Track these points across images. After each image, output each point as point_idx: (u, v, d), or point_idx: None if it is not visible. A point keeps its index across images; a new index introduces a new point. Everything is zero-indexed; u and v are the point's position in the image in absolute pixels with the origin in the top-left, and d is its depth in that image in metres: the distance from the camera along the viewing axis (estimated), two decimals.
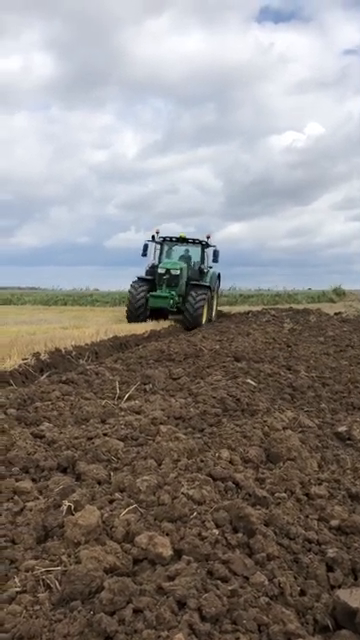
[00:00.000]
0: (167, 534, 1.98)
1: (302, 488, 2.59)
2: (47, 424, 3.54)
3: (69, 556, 1.79)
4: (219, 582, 1.69)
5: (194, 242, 17.29)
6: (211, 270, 17.45)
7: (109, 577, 1.67)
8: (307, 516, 2.34)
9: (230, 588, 1.65)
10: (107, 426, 3.48)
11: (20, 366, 6.89)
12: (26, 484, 2.54)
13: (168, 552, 1.83)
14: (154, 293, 15.30)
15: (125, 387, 5.03)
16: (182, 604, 1.57)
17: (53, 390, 4.70)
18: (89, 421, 3.69)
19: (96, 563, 1.67)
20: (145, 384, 5.24)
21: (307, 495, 2.54)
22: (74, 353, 8.22)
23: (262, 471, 2.80)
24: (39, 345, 7.81)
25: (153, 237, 16.88)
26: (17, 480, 2.63)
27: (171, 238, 17.30)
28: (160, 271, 15.66)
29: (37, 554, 1.88)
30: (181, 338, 9.61)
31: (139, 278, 16.36)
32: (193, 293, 14.99)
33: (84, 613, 1.48)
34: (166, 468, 2.61)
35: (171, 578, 1.64)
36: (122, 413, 3.97)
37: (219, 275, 18.30)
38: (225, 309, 21.59)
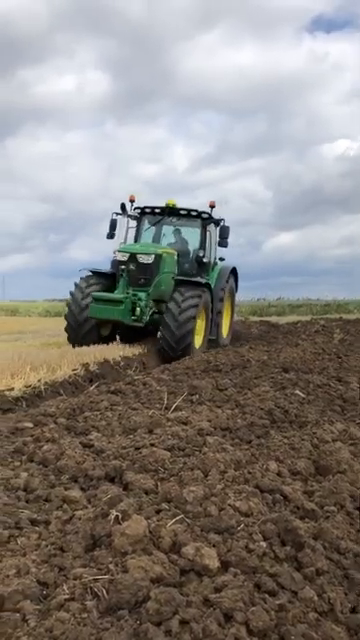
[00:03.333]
0: (214, 545, 1.97)
1: (353, 502, 2.52)
2: (95, 434, 3.59)
3: (116, 565, 1.80)
4: (267, 596, 1.67)
5: (190, 215, 11.19)
6: (218, 262, 11.85)
7: (155, 587, 1.67)
8: (358, 530, 2.28)
9: (278, 602, 1.62)
10: (154, 436, 3.50)
11: (70, 376, 7.04)
12: (75, 493, 2.58)
13: (215, 564, 1.82)
14: (99, 294, 9.48)
15: (172, 397, 5.05)
16: (229, 617, 1.55)
17: (102, 400, 4.76)
18: (136, 431, 3.71)
19: (143, 573, 1.67)
20: (192, 394, 5.24)
21: (358, 509, 2.48)
22: (122, 364, 8.32)
23: (311, 484, 2.75)
24: (88, 356, 7.95)
25: (123, 207, 10.90)
26: (66, 489, 2.68)
27: (153, 209, 11.39)
28: (119, 257, 9.94)
29: (85, 562, 1.91)
30: (228, 349, 9.59)
31: (93, 272, 10.57)
32: (177, 295, 9.53)
33: (131, 622, 1.48)
34: (213, 479, 2.60)
35: (218, 590, 1.63)
36: (169, 423, 3.98)
37: (234, 271, 12.21)
38: (273, 320, 20.25)
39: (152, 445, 3.30)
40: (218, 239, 11.25)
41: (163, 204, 11.43)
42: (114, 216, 11.14)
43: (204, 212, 11.28)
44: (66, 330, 10.16)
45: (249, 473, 2.72)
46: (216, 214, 11.44)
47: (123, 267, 9.85)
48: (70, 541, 2.05)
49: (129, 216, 11.36)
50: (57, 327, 11.71)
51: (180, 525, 2.09)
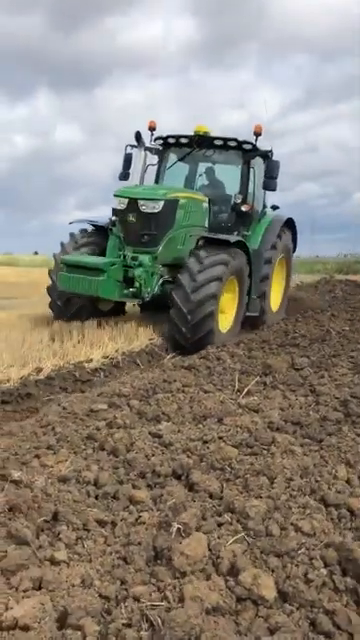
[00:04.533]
0: (273, 571, 1.97)
1: None
2: (165, 423, 3.64)
3: (174, 588, 1.85)
4: (322, 638, 1.66)
5: (227, 146, 8.52)
6: (269, 212, 9.33)
7: (212, 616, 1.70)
8: None
9: None
10: (223, 428, 3.51)
11: (147, 346, 7.17)
12: (142, 493, 2.65)
13: (272, 594, 1.82)
14: (70, 257, 7.33)
15: (245, 377, 5.02)
16: None
17: (174, 381, 4.82)
18: (206, 420, 3.74)
19: (198, 605, 1.71)
20: (266, 374, 5.19)
21: None
22: None
23: None
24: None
25: (138, 137, 8.16)
26: (134, 486, 2.76)
27: (177, 139, 8.74)
28: (117, 205, 7.54)
29: (146, 579, 1.97)
30: (308, 316, 9.23)
31: (94, 226, 8.09)
32: (193, 263, 7.14)
33: None
34: (278, 488, 2.58)
35: (272, 632, 1.64)
36: (240, 410, 3.98)
37: (290, 224, 9.54)
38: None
39: (220, 439, 3.32)
40: (264, 179, 8.40)
41: (191, 133, 8.73)
42: (128, 149, 8.62)
43: (246, 142, 8.48)
44: (51, 308, 7.93)
45: (316, 481, 2.67)
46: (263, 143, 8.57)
47: (122, 219, 7.41)
48: (133, 552, 2.13)
49: (147, 149, 8.63)
50: None
51: (240, 545, 2.10)
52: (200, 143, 8.73)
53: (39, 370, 5.53)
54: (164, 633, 1.58)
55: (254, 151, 8.61)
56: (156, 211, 7.50)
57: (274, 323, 8.80)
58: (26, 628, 1.73)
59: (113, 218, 7.46)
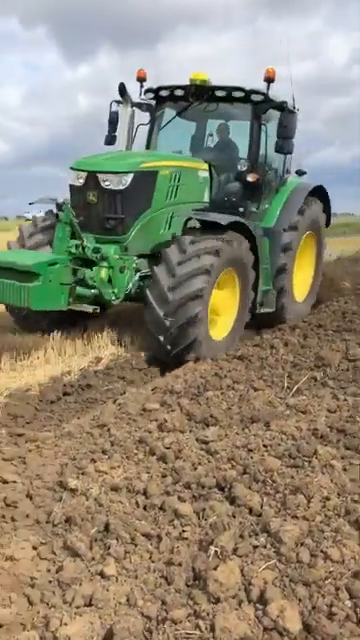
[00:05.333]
0: (300, 600, 2.13)
1: None
2: (212, 429, 3.82)
3: (207, 615, 2.05)
4: None
5: (232, 98, 6.85)
6: (290, 179, 7.83)
7: None
8: None
9: None
10: (269, 434, 3.64)
11: None
12: (186, 508, 2.85)
13: (296, 627, 1.99)
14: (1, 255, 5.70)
15: (296, 371, 5.11)
16: None
17: (225, 376, 4.97)
18: (253, 424, 3.89)
19: (227, 636, 1.90)
20: (318, 367, 5.24)
21: None
22: None
23: None
24: None
25: (122, 90, 6.82)
26: (180, 498, 2.96)
27: (172, 91, 7.04)
28: (74, 181, 6.06)
29: (183, 601, 2.18)
30: None
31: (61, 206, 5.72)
32: (172, 252, 5.73)
33: None
34: (314, 508, 2.71)
35: None
36: (287, 412, 4.10)
37: (319, 192, 7.97)
38: None
39: (265, 447, 3.46)
40: (276, 139, 6.75)
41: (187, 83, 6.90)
42: (114, 107, 7.06)
43: (255, 91, 6.73)
44: (9, 312, 6.55)
45: (353, 501, 2.78)
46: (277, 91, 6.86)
47: (77, 199, 5.95)
48: (174, 573, 2.34)
49: (136, 105, 7.10)
50: None
51: (272, 572, 2.27)
52: (198, 95, 6.96)
53: (98, 360, 5.81)
54: None
55: (266, 103, 6.82)
56: (123, 187, 5.81)
57: (300, 318, 7.56)
58: None
59: (66, 200, 5.85)
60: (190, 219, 6.27)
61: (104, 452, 3.55)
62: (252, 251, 6.45)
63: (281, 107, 6.88)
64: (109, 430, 3.90)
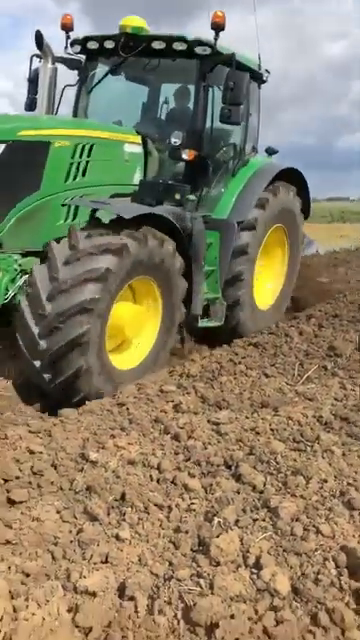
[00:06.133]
0: (291, 567, 2.41)
1: None
2: (224, 412, 4.08)
3: (208, 575, 2.34)
4: (318, 630, 2.09)
5: (172, 51, 5.42)
6: (254, 158, 6.62)
7: (234, 602, 2.19)
8: None
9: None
10: (276, 419, 3.90)
11: None
12: (196, 482, 3.13)
13: (285, 589, 2.27)
14: None
15: (307, 360, 5.34)
16: None
17: (239, 362, 5.23)
18: (262, 409, 4.15)
19: (223, 593, 2.19)
20: (329, 357, 5.46)
21: None
22: None
23: None
24: None
25: (39, 40, 5.30)
26: (190, 474, 3.25)
27: (101, 42, 5.65)
28: None
29: (188, 564, 2.48)
30: None
31: None
32: (59, 246, 4.44)
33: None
34: (312, 488, 2.98)
35: (278, 622, 2.09)
36: (296, 399, 4.35)
37: (292, 175, 6.86)
38: None
39: (271, 430, 3.73)
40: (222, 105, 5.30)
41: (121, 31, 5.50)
42: (36, 62, 5.71)
43: (200, 41, 5.39)
44: None
45: (348, 484, 3.04)
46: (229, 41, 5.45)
47: None
48: (181, 539, 2.64)
49: (59, 60, 5.74)
50: None
51: (268, 542, 2.55)
52: (131, 47, 5.51)
53: None
54: (192, 615, 2.08)
55: (214, 56, 5.39)
56: None
57: (260, 330, 6.27)
58: (94, 595, 2.30)
59: None
60: (97, 210, 4.81)
61: (122, 429, 3.85)
62: (183, 253, 5.15)
63: (228, 62, 5.37)
64: (128, 409, 4.19)
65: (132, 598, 2.28)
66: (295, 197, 7.03)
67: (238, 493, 3.03)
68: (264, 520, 2.74)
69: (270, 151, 7.01)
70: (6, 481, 3.14)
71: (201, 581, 2.30)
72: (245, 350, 5.76)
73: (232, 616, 2.09)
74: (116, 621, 2.18)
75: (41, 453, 3.46)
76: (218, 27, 5.35)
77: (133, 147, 5.57)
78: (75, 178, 5.07)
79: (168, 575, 2.43)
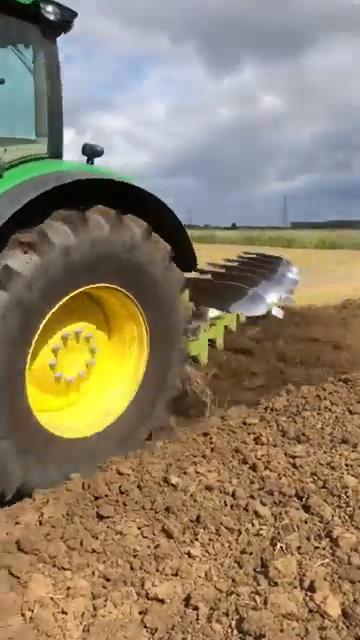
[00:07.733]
0: (344, 594, 2.57)
1: None
2: (300, 446, 4.25)
3: (264, 592, 2.56)
4: None
5: None
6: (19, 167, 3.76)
7: (285, 619, 2.40)
8: None
9: None
10: (353, 455, 4.01)
11: None
12: (266, 510, 3.35)
13: (336, 613, 2.44)
14: None
15: None
16: None
17: (324, 398, 5.34)
18: (342, 445, 4.26)
19: (275, 610, 2.40)
20: None
21: None
22: None
23: None
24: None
25: None
26: (262, 502, 3.47)
27: None
28: None
29: (249, 582, 2.71)
30: None
31: None
32: None
33: None
34: None
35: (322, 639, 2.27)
36: None
37: (129, 193, 4.01)
38: None
39: (347, 466, 3.85)
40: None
41: None
42: None
43: None
44: None
45: None
46: None
47: None
48: (245, 560, 2.88)
49: None
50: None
51: (324, 568, 2.72)
52: None
53: None
54: (243, 625, 2.32)
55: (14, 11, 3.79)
56: None
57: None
58: (162, 601, 2.61)
59: None
60: None
61: (204, 457, 4.15)
62: None
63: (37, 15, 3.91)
64: (211, 438, 4.49)
65: (195, 607, 2.56)
66: (137, 234, 4.08)
67: (305, 523, 3.21)
68: (324, 549, 2.90)
69: (90, 152, 4.56)
70: (97, 498, 3.55)
71: (257, 597, 2.52)
72: (333, 386, 5.83)
73: (281, 630, 2.30)
74: (179, 625, 2.47)
75: (129, 475, 3.85)
76: None
77: None
78: None
79: (229, 590, 2.68)
